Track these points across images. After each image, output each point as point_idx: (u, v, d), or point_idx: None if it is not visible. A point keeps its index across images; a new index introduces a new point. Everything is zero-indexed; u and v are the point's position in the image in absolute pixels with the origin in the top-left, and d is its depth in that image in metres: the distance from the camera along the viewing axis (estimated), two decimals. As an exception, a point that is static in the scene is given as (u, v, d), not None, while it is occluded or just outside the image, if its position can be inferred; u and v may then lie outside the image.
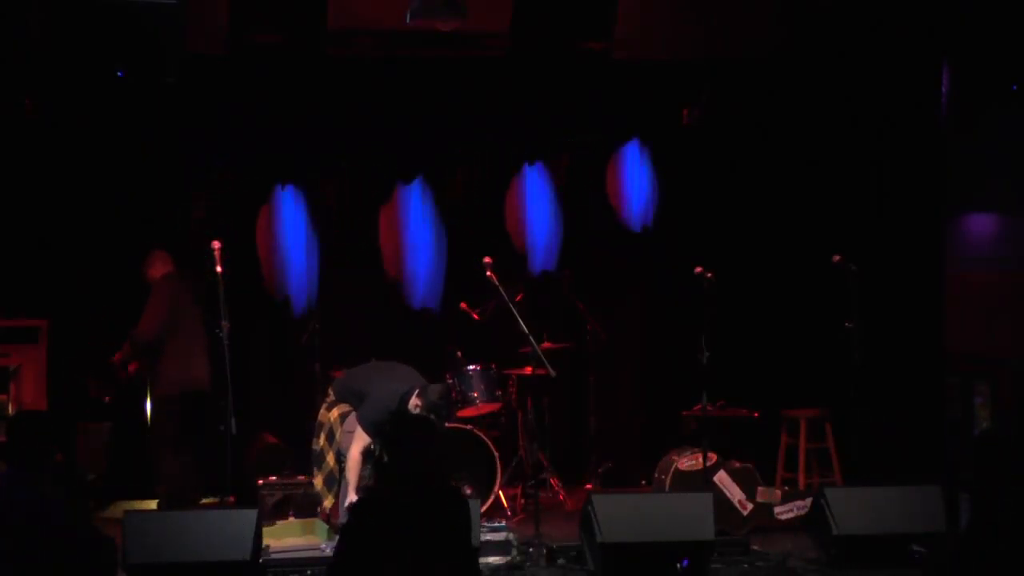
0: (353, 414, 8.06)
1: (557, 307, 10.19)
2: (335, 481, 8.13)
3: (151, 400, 8.81)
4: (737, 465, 8.71)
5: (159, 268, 8.87)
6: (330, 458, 8.16)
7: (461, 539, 4.96)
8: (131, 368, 8.88)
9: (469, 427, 9.10)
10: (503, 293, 8.09)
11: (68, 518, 5.44)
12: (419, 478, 4.97)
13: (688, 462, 8.71)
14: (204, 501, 9.05)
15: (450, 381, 9.20)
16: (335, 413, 8.16)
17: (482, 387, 9.35)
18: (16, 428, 5.66)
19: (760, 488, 8.72)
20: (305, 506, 8.61)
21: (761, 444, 9.60)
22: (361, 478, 7.90)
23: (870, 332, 8.48)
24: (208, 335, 8.69)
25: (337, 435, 8.15)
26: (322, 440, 8.23)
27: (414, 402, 7.82)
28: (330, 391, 8.36)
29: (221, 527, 6.95)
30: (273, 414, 10.07)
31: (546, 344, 9.14)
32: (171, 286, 8.79)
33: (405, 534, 4.84)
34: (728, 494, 8.60)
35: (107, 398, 8.94)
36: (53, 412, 8.43)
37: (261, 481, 8.87)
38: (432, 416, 7.74)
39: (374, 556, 4.82)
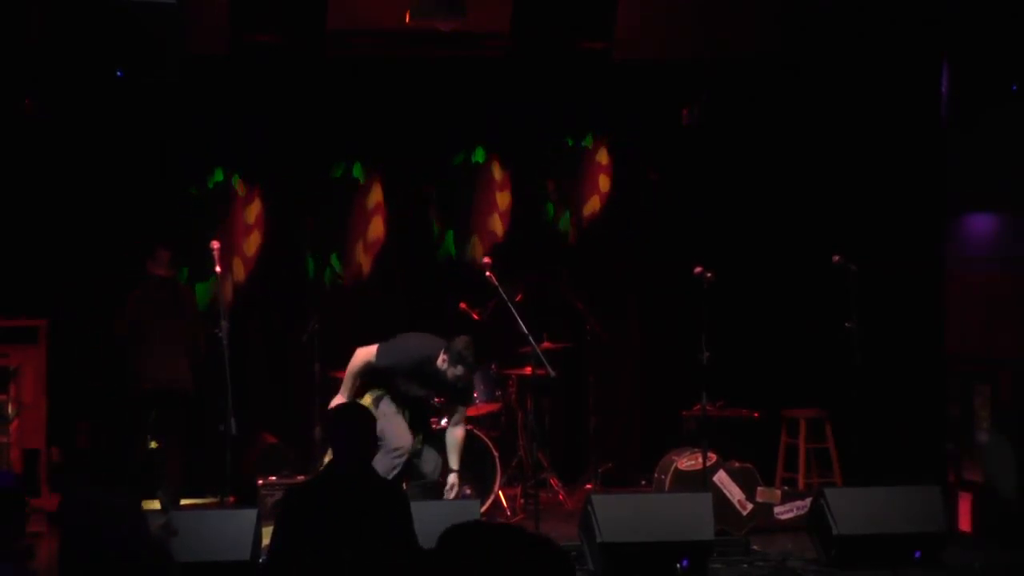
0: (387, 397, 7.93)
1: (557, 307, 10.19)
2: None
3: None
4: (737, 465, 8.70)
5: (148, 268, 9.15)
6: None
7: (400, 530, 4.99)
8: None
9: (469, 427, 9.08)
10: (503, 293, 8.09)
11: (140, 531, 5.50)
12: (354, 469, 5.02)
13: (688, 462, 8.71)
14: (203, 501, 9.07)
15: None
16: (368, 399, 7.98)
17: (482, 387, 9.33)
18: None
19: (760, 488, 8.71)
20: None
21: (761, 444, 9.59)
22: (354, 385, 7.88)
23: (870, 332, 8.47)
24: (187, 335, 9.02)
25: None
26: None
27: (441, 357, 7.77)
28: None
29: (221, 527, 6.95)
30: (273, 414, 10.07)
31: (546, 344, 9.13)
32: (141, 289, 9.06)
33: (340, 524, 4.89)
34: (728, 494, 8.60)
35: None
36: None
37: (261, 481, 8.87)
38: (460, 367, 7.73)
39: (309, 545, 4.86)
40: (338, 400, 7.78)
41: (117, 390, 9.10)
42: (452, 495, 7.81)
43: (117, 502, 5.41)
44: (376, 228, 10.55)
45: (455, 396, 8.04)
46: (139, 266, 9.20)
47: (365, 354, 7.85)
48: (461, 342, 7.76)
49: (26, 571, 4.74)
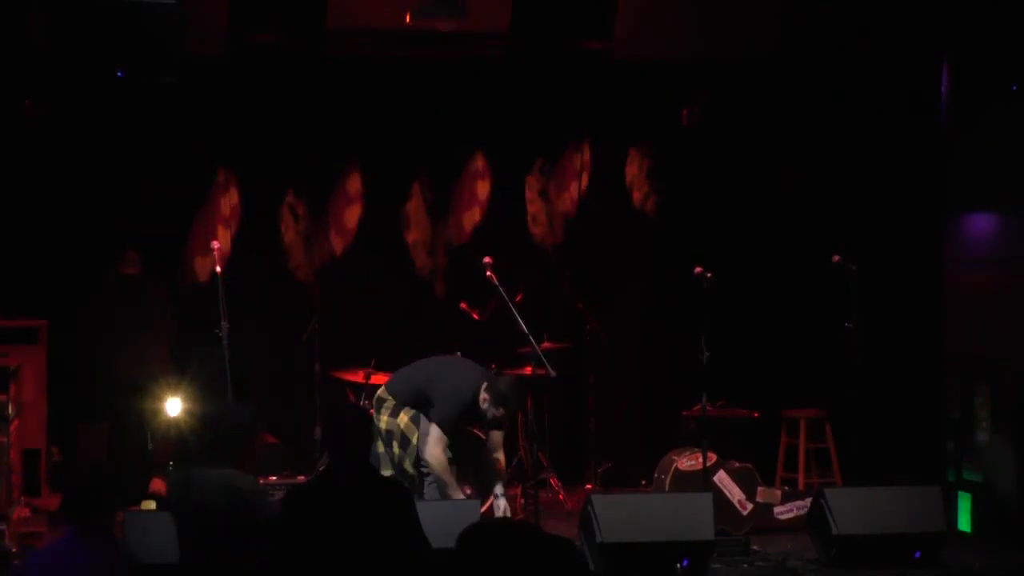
0: (424, 417, 7.87)
1: (557, 307, 10.19)
2: (417, 489, 7.79)
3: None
4: (737, 465, 8.70)
5: (118, 268, 9.32)
6: (407, 464, 7.86)
7: (406, 529, 4.98)
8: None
9: (470, 427, 9.08)
10: (503, 293, 8.08)
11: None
12: (354, 469, 5.02)
13: (688, 462, 8.71)
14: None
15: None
16: (404, 418, 7.87)
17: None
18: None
19: (760, 488, 8.72)
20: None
21: (761, 444, 9.59)
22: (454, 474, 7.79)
23: (870, 332, 8.48)
24: (162, 331, 9.23)
25: (413, 440, 7.85)
26: (395, 448, 7.88)
27: (483, 396, 7.75)
28: (386, 396, 8.03)
29: (221, 527, 6.93)
30: (273, 414, 10.06)
31: (546, 344, 9.12)
32: (110, 289, 9.26)
33: (344, 524, 4.88)
34: (728, 494, 8.60)
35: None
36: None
37: (261, 481, 8.86)
38: (501, 408, 7.69)
39: (310, 549, 4.85)
40: (456, 495, 7.69)
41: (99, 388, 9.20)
42: (504, 515, 7.82)
43: (238, 480, 5.48)
44: (376, 228, 10.56)
45: (490, 424, 8.01)
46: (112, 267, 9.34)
47: (435, 440, 7.70)
48: (504, 383, 7.76)
49: (115, 546, 4.76)
